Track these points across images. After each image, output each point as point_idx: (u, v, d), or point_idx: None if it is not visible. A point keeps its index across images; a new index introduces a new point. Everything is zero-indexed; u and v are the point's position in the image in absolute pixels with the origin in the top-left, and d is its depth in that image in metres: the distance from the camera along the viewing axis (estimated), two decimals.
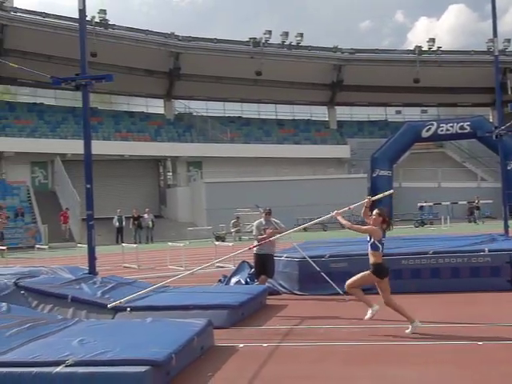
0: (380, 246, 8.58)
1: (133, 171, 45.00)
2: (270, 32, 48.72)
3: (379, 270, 8.55)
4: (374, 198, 9.50)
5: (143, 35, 46.00)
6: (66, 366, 5.90)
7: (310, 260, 11.98)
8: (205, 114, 50.68)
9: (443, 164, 49.14)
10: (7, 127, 42.81)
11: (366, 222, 8.96)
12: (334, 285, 11.48)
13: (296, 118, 54.64)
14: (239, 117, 52.99)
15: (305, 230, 37.08)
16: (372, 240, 8.58)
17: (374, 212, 8.77)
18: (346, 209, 9.96)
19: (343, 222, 9.26)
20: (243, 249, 11.10)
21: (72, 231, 36.04)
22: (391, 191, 10.35)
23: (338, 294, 11.29)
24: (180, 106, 51.72)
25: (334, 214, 9.56)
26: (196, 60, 46.78)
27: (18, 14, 42.76)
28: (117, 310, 9.44)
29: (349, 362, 7.09)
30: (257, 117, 53.69)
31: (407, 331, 8.29)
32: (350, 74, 50.95)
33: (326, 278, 11.66)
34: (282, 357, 7.41)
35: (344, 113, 56.25)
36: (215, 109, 52.24)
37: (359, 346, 7.76)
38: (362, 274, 8.78)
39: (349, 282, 8.90)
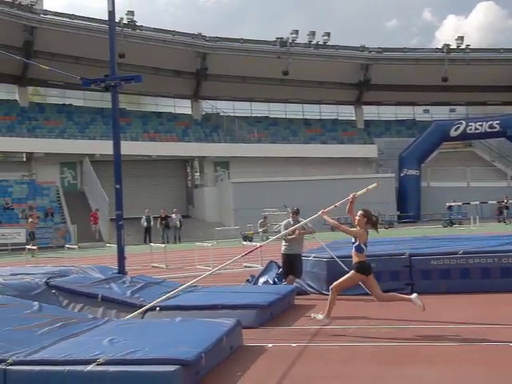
0: (364, 248, 8.74)
1: (160, 171, 45.26)
2: (296, 32, 48.69)
3: (363, 268, 8.71)
4: (358, 194, 9.48)
5: (170, 36, 46.27)
6: (98, 365, 5.96)
7: (338, 260, 11.93)
8: (232, 114, 50.79)
9: (472, 163, 48.63)
10: (37, 128, 43.36)
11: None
12: (362, 285, 11.41)
13: (323, 117, 54.50)
14: (266, 117, 53.01)
15: (332, 229, 37.13)
16: (357, 242, 8.70)
17: (359, 213, 8.86)
18: (332, 207, 9.89)
19: (330, 221, 9.31)
20: (236, 256, 11.03)
21: (101, 231, 36.37)
22: (374, 184, 10.22)
23: (367, 294, 11.24)
24: (207, 106, 51.89)
25: (320, 213, 9.50)
26: (223, 60, 46.91)
27: (48, 16, 43.33)
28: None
29: (378, 362, 7.06)
30: (284, 117, 53.65)
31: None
32: (378, 73, 50.71)
33: None
34: (310, 357, 7.40)
35: (371, 112, 55.95)
36: (242, 109, 52.29)
37: (388, 346, 7.71)
38: (347, 275, 8.90)
39: (335, 283, 8.95)
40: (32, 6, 42.37)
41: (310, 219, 10.99)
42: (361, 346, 7.83)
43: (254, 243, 22.97)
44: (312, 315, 8.75)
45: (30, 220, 31.73)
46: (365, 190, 9.73)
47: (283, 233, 11.66)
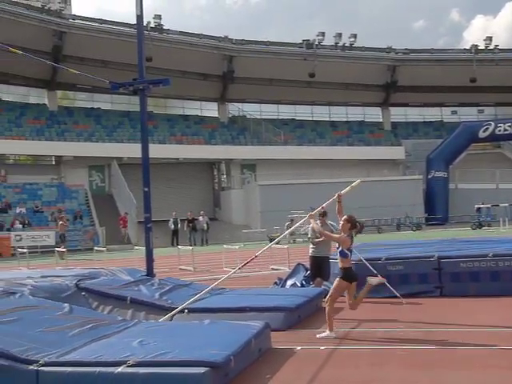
0: (348, 253, 8.72)
1: (187, 174, 45.47)
2: (323, 34, 48.60)
3: (348, 275, 8.68)
4: (343, 192, 9.43)
5: (197, 39, 46.48)
6: (128, 367, 6.00)
7: (366, 262, 11.88)
8: (258, 117, 50.85)
9: (501, 165, 48.07)
10: (66, 132, 43.84)
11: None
12: (390, 288, 11.37)
13: (350, 119, 54.32)
14: (292, 119, 52.96)
15: (359, 232, 36.92)
16: (341, 248, 8.71)
17: (343, 218, 8.83)
18: (319, 208, 9.83)
19: (315, 226, 9.24)
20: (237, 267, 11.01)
21: (129, 233, 36.63)
22: (358, 181, 10.13)
23: (395, 296, 11.20)
24: (234, 108, 52.00)
25: (307, 217, 9.46)
26: (249, 63, 47.00)
27: (76, 21, 43.81)
28: None
29: (408, 365, 7.00)
30: (310, 119, 53.57)
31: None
32: (405, 74, 50.43)
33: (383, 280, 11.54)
34: (339, 360, 7.38)
35: (398, 114, 55.62)
36: (269, 111, 52.32)
37: (418, 349, 7.66)
38: (334, 284, 8.86)
39: (328, 297, 8.86)
40: (61, 11, 42.90)
41: (298, 224, 10.93)
42: (390, 349, 7.78)
43: (281, 246, 22.94)
44: (317, 336, 8.63)
45: (61, 223, 32.07)
46: (349, 188, 9.72)
47: (282, 236, 11.68)
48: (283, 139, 47.54)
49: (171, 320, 9.34)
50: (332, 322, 8.70)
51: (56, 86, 46.24)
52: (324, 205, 9.69)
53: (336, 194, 9.27)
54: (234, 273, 10.42)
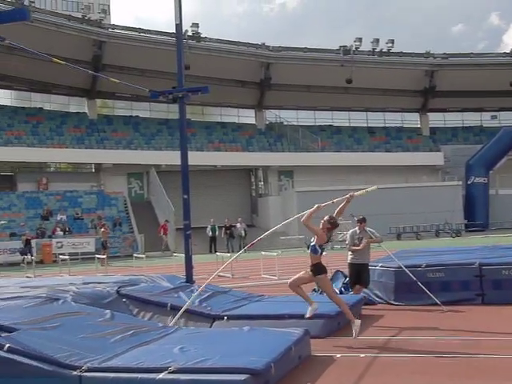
0: (319, 250, 9.14)
1: (225, 181, 45.64)
2: (360, 39, 48.40)
3: (318, 269, 9.07)
4: (356, 194, 9.71)
5: (234, 46, 46.69)
6: (169, 373, 6.06)
7: (406, 269, 11.78)
8: (295, 123, 50.82)
9: None
10: (105, 140, 44.42)
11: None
12: (431, 295, 11.26)
13: (387, 125, 53.94)
14: (330, 125, 52.79)
15: (398, 238, 36.79)
16: (314, 242, 9.13)
17: (325, 218, 9.26)
18: (330, 202, 9.89)
19: (306, 214, 9.28)
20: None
21: (167, 240, 36.88)
22: (374, 187, 10.24)
23: (436, 304, 11.08)
24: (271, 115, 52.07)
25: (315, 207, 9.45)
26: (286, 69, 47.02)
27: (116, 30, 44.39)
28: (214, 318, 9.61)
29: (451, 374, 6.89)
30: (347, 125, 53.32)
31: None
32: (443, 79, 49.90)
33: (423, 287, 11.44)
34: (380, 368, 7.31)
35: (437, 119, 55.03)
36: (306, 118, 52.25)
37: (461, 358, 7.54)
38: (322, 285, 9.44)
39: (290, 281, 9.33)
40: (101, 21, 43.53)
41: (295, 217, 10.88)
42: (432, 357, 7.67)
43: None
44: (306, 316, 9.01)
45: (102, 230, 32.45)
46: (363, 191, 10.11)
47: (257, 240, 11.66)
48: (320, 145, 47.44)
49: (211, 327, 9.39)
50: (308, 297, 9.29)
51: (96, 95, 46.88)
52: (335, 200, 9.82)
53: (349, 194, 9.64)
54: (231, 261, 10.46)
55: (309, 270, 9.19)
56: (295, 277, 9.33)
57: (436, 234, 38.79)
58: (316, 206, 9.49)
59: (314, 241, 9.19)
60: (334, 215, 9.44)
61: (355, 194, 9.62)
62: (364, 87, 49.14)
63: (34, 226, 36.03)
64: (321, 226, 9.21)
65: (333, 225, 9.23)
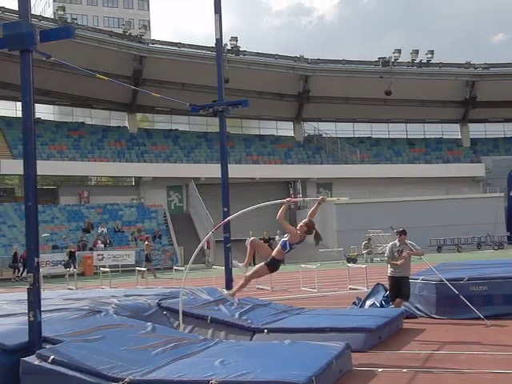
0: (288, 247, 9.33)
1: (263, 193, 45.61)
2: (399, 51, 48.19)
3: (273, 262, 9.34)
4: (328, 199, 10.23)
5: (273, 60, 46.88)
6: None
7: (447, 283, 11.63)
8: (334, 135, 50.71)
9: None
10: (145, 153, 44.94)
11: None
12: (473, 309, 11.09)
13: (427, 136, 53.43)
14: (369, 137, 52.56)
15: (438, 251, 36.34)
16: (287, 239, 9.31)
17: (304, 220, 9.42)
18: (301, 199, 10.13)
19: (280, 211, 9.44)
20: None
21: (206, 253, 37.01)
22: (346, 198, 10.54)
23: (479, 318, 10.90)
24: (309, 127, 52.05)
25: (287, 200, 9.79)
26: (325, 82, 47.00)
27: (156, 45, 44.96)
28: (254, 331, 9.61)
29: None
30: (386, 136, 53.00)
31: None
32: (484, 89, 49.30)
33: (466, 301, 11.27)
34: (423, 383, 7.22)
35: (478, 130, 54.34)
36: (344, 130, 52.10)
37: (506, 374, 7.38)
38: (256, 268, 9.56)
39: (247, 275, 9.58)
40: (141, 36, 44.15)
41: (267, 203, 10.86)
42: (477, 372, 7.52)
43: (359, 265, 22.75)
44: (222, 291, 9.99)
45: (146, 243, 32.64)
46: (336, 198, 10.41)
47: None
48: (359, 157, 47.25)
49: (251, 340, 9.39)
50: (249, 259, 9.69)
51: (136, 109, 47.50)
52: (307, 199, 10.09)
53: (321, 197, 10.02)
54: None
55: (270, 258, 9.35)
56: (254, 270, 9.60)
57: (478, 246, 38.23)
58: (286, 200, 9.82)
59: (287, 237, 9.34)
60: (307, 217, 9.58)
61: (327, 198, 9.86)
62: (403, 98, 48.86)
63: (76, 238, 36.56)
64: (298, 227, 9.37)
65: (309, 228, 9.36)
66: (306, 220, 9.44)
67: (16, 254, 31.90)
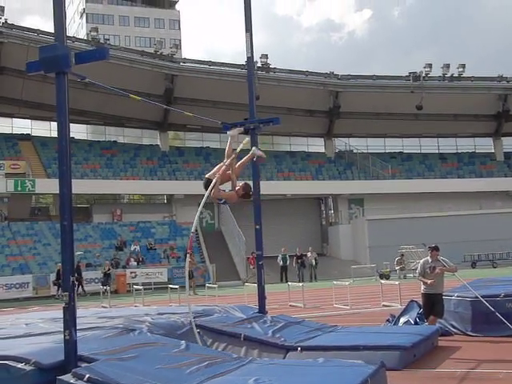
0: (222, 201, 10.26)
1: (295, 210, 45.66)
2: (430, 65, 47.93)
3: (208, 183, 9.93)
4: (238, 149, 10.81)
5: (303, 76, 46.92)
6: None
7: (483, 300, 11.47)
8: (365, 151, 50.52)
9: None
10: (177, 171, 45.25)
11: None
12: (510, 326, 10.92)
13: (459, 151, 52.91)
14: (400, 152, 52.22)
15: (473, 266, 35.84)
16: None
17: (241, 183, 10.05)
18: (236, 151, 10.38)
19: (211, 187, 9.88)
20: None
21: (238, 270, 37.06)
22: (247, 139, 10.82)
23: None
24: (340, 143, 51.92)
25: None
26: (355, 98, 46.91)
27: (187, 64, 45.38)
28: (288, 349, 9.57)
29: None
30: (418, 151, 52.61)
31: None
32: None
33: (502, 318, 11.11)
34: None
35: (511, 144, 53.67)
36: (375, 145, 51.86)
37: None
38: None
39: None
40: (172, 55, 44.63)
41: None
42: None
43: (392, 281, 22.56)
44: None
45: (189, 260, 32.74)
46: (242, 144, 10.62)
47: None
48: (391, 173, 46.98)
49: (284, 358, 9.36)
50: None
51: (167, 127, 47.91)
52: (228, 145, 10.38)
53: (253, 148, 11.03)
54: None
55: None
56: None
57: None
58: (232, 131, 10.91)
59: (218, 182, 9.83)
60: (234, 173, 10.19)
61: (237, 149, 10.67)
62: (435, 113, 48.51)
63: (109, 256, 36.86)
64: (235, 190, 9.96)
65: (247, 192, 10.06)
66: (243, 184, 9.97)
67: (59, 271, 32.20)
